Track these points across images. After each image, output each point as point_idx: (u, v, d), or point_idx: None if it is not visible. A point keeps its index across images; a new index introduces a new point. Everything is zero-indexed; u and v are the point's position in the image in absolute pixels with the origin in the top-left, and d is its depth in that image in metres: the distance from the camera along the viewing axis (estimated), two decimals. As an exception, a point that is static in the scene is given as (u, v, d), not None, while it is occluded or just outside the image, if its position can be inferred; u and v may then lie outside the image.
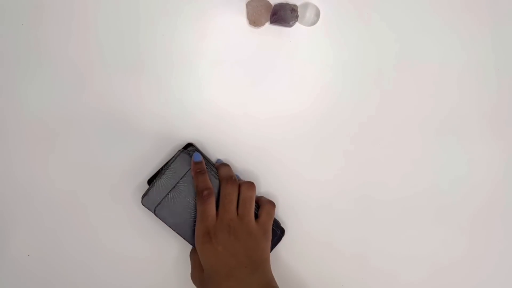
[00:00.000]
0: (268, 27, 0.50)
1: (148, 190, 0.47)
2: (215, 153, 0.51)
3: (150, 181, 0.50)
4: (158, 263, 0.53)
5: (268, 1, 0.49)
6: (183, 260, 0.52)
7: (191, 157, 0.47)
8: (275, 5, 0.49)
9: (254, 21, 0.49)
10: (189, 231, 0.48)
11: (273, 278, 0.46)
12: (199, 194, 0.46)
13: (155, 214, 0.48)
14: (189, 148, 0.49)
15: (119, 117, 0.51)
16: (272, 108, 0.51)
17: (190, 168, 0.47)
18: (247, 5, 0.49)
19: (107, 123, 0.51)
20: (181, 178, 0.47)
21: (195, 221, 0.47)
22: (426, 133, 0.52)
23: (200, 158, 0.47)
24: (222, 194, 0.46)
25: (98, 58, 0.49)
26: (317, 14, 0.49)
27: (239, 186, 0.47)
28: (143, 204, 0.47)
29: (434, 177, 0.53)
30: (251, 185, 0.48)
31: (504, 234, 0.54)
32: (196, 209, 0.47)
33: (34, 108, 0.50)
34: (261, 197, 0.51)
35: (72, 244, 0.52)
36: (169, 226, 0.48)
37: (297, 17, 0.49)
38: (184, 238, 0.48)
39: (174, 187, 0.47)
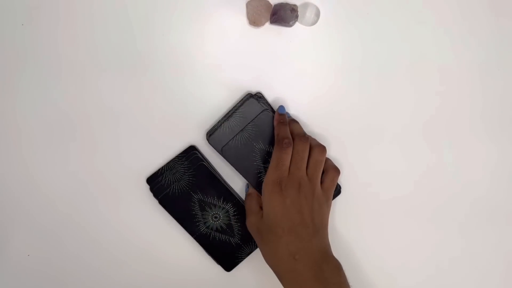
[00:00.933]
0: (268, 27, 0.50)
1: (214, 129, 0.49)
2: (214, 153, 0.51)
3: (149, 180, 0.50)
4: (159, 262, 0.53)
5: (268, 1, 0.49)
6: (184, 258, 0.52)
7: (259, 102, 0.48)
8: (275, 5, 0.49)
9: (254, 21, 0.49)
10: (251, 175, 0.49)
11: (329, 245, 0.47)
12: (279, 142, 0.46)
13: (221, 154, 0.49)
14: (251, 98, 0.49)
15: (119, 117, 0.50)
16: (273, 106, 0.51)
17: (258, 114, 0.48)
18: (247, 5, 0.49)
19: (107, 123, 0.50)
20: (249, 123, 0.48)
21: (258, 166, 0.49)
22: (426, 133, 0.52)
23: (285, 111, 0.49)
24: (295, 150, 0.46)
25: (98, 58, 0.49)
26: (317, 14, 0.49)
27: (311, 146, 0.47)
28: (209, 143, 0.49)
29: (434, 177, 0.53)
30: (323, 149, 0.48)
31: (504, 235, 0.54)
32: (260, 154, 0.49)
33: (33, 108, 0.50)
34: (328, 160, 0.50)
35: (72, 244, 0.52)
36: (233, 166, 0.49)
37: (297, 17, 0.49)
38: (247, 180, 0.50)
39: (242, 130, 0.48)
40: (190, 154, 0.50)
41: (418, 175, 0.53)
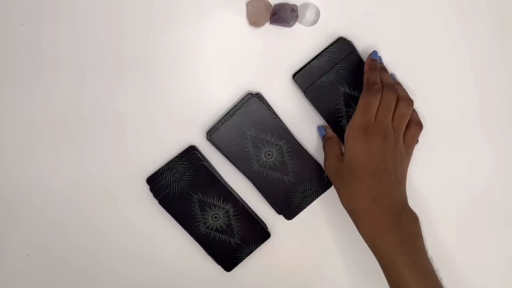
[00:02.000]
0: (268, 27, 0.50)
1: (302, 68, 0.49)
2: (215, 153, 0.51)
3: (149, 180, 0.50)
4: (159, 262, 0.53)
5: (268, 1, 0.49)
6: (184, 258, 0.52)
7: (349, 45, 0.48)
8: (275, 5, 0.49)
9: (254, 21, 0.49)
10: (333, 117, 0.50)
11: (407, 198, 0.46)
12: (369, 87, 0.46)
13: (304, 94, 0.49)
14: (341, 39, 0.49)
15: (119, 117, 0.50)
16: (272, 107, 0.51)
17: (347, 55, 0.48)
18: (247, 5, 0.49)
19: (107, 123, 0.50)
20: (337, 64, 0.48)
21: (340, 110, 0.49)
22: (426, 132, 0.52)
23: (377, 56, 0.49)
24: (383, 99, 0.45)
25: (98, 58, 0.49)
26: (317, 14, 0.49)
27: (398, 98, 0.47)
28: (294, 81, 0.49)
29: (434, 177, 0.53)
30: (410, 102, 0.47)
31: (504, 235, 0.54)
32: (344, 98, 0.49)
33: (33, 108, 0.50)
34: (413, 113, 0.49)
35: (72, 244, 0.52)
36: (316, 108, 0.49)
37: (297, 17, 0.49)
38: (327, 122, 0.50)
39: (329, 70, 0.48)
40: (190, 154, 0.50)
41: (418, 175, 0.53)
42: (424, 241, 0.45)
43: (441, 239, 0.53)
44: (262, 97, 0.50)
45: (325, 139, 0.50)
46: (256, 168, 0.50)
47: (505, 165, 0.53)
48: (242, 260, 0.52)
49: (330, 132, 0.50)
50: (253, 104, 0.49)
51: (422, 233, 0.45)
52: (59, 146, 0.51)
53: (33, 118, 0.50)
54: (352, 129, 0.45)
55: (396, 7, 0.50)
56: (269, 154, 0.50)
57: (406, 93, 0.48)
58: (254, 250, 0.51)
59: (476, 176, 0.53)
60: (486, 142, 0.53)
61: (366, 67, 0.48)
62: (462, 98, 0.52)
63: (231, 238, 0.51)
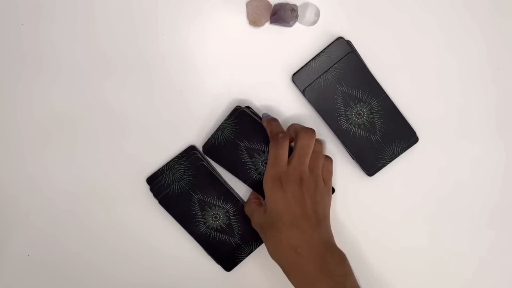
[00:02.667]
0: (268, 27, 0.50)
1: (301, 68, 0.49)
2: (215, 153, 0.51)
3: (149, 180, 0.50)
4: (159, 262, 0.53)
5: (268, 1, 0.49)
6: (184, 258, 0.52)
7: (349, 45, 0.49)
8: (275, 5, 0.49)
9: (254, 21, 0.49)
10: (332, 118, 0.49)
11: (332, 236, 0.47)
12: (274, 137, 0.46)
13: (303, 95, 0.49)
14: (244, 108, 0.49)
15: (119, 117, 0.51)
16: (272, 107, 0.51)
17: (346, 54, 0.48)
18: (247, 5, 0.49)
19: (107, 123, 0.51)
20: (335, 64, 0.48)
21: (338, 110, 0.49)
22: (425, 132, 0.52)
23: (267, 115, 0.50)
24: (299, 144, 0.46)
25: (98, 57, 0.49)
26: (317, 14, 0.49)
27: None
28: (293, 81, 0.49)
29: (435, 177, 0.53)
30: (321, 141, 0.49)
31: (505, 235, 0.54)
32: (343, 97, 0.49)
33: (33, 108, 0.50)
34: (319, 146, 0.49)
35: (72, 244, 0.52)
36: (315, 108, 0.49)
37: (297, 17, 0.49)
38: (326, 122, 0.50)
39: (327, 70, 0.48)
40: (190, 154, 0.50)
41: (418, 175, 0.53)
42: (355, 278, 0.45)
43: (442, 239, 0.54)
44: (251, 109, 0.50)
45: (245, 205, 0.50)
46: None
47: (505, 165, 0.53)
48: (242, 260, 0.52)
49: (251, 195, 0.51)
50: (243, 117, 0.49)
51: (352, 271, 0.45)
52: (59, 146, 0.51)
53: (33, 118, 0.50)
54: (267, 182, 0.46)
55: (396, 7, 0.50)
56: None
57: (310, 130, 0.47)
58: (254, 250, 0.51)
59: (477, 176, 0.53)
60: (489, 142, 0.53)
61: (264, 123, 0.49)
62: (463, 97, 0.52)
63: (231, 238, 0.51)
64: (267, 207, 0.46)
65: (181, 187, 0.49)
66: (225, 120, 0.49)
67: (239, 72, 0.50)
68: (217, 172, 0.51)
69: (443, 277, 0.54)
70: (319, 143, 0.48)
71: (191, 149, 0.50)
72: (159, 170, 0.50)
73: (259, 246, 0.51)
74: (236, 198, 0.50)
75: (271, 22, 0.49)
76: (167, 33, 0.49)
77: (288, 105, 0.51)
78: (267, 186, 0.46)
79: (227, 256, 0.51)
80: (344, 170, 0.52)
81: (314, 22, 0.50)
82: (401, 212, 0.53)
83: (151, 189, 0.50)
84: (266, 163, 0.49)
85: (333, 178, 0.50)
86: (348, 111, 0.50)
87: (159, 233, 0.52)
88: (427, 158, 0.52)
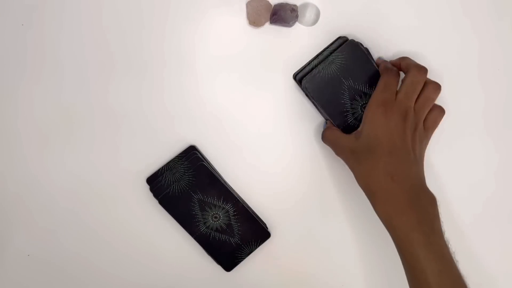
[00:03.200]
0: (268, 27, 0.50)
1: (302, 68, 0.49)
2: (214, 153, 0.51)
3: (149, 180, 0.50)
4: (158, 262, 0.53)
5: (268, 1, 0.49)
6: (183, 258, 0.52)
7: (350, 42, 0.48)
8: (275, 5, 0.49)
9: (254, 21, 0.49)
10: (337, 113, 0.48)
11: (425, 180, 0.45)
12: (387, 69, 0.46)
13: (306, 92, 0.48)
14: (192, 151, 0.49)
15: (119, 117, 0.51)
16: (272, 107, 0.51)
17: (350, 51, 0.47)
18: (247, 5, 0.49)
19: (107, 122, 0.51)
20: (338, 56, 0.47)
21: (345, 105, 0.48)
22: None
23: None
24: (409, 80, 0.45)
25: (98, 57, 0.49)
26: (317, 14, 0.49)
27: (426, 82, 0.46)
28: (295, 79, 0.49)
29: (435, 177, 0.53)
30: (438, 87, 0.46)
31: (504, 234, 0.54)
32: (348, 93, 0.47)
33: (33, 108, 0.50)
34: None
35: (72, 244, 0.52)
36: (318, 104, 0.48)
37: (297, 17, 0.49)
38: (331, 118, 0.48)
39: (330, 63, 0.47)
40: (190, 154, 0.50)
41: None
42: (442, 223, 0.43)
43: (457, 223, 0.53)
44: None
45: (323, 131, 0.50)
46: (203, 230, 0.50)
47: (507, 164, 0.53)
48: (242, 260, 0.52)
49: (329, 124, 0.50)
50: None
51: (440, 216, 0.44)
52: (58, 146, 0.51)
53: (33, 118, 0.50)
54: (371, 106, 0.44)
55: (397, 7, 0.50)
56: (215, 217, 0.50)
57: (433, 80, 0.47)
58: (254, 250, 0.51)
59: (485, 170, 0.53)
60: (490, 141, 0.53)
61: (379, 62, 0.48)
62: (465, 96, 0.52)
63: (231, 238, 0.51)
64: (362, 132, 0.44)
65: (181, 187, 0.49)
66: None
67: (239, 72, 0.50)
68: (217, 172, 0.51)
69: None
70: (434, 88, 0.46)
71: (191, 149, 0.50)
72: (159, 170, 0.50)
73: (259, 246, 0.51)
74: (236, 198, 0.50)
75: (271, 22, 0.49)
76: (168, 33, 0.49)
77: (288, 105, 0.51)
78: (370, 110, 0.44)
79: (227, 256, 0.51)
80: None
81: (314, 22, 0.50)
82: None
83: (151, 189, 0.50)
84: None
85: (435, 131, 0.48)
86: (354, 105, 0.48)
87: (159, 233, 0.52)
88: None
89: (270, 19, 0.49)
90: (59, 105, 0.50)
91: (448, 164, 0.53)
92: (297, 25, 0.50)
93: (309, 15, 0.49)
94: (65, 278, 0.53)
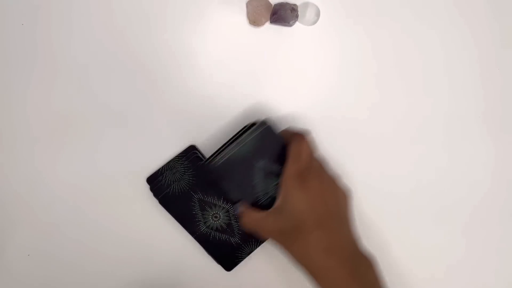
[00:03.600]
0: (268, 26, 0.50)
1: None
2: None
3: (149, 180, 0.50)
4: (159, 262, 0.53)
5: (268, 1, 0.49)
6: (184, 257, 0.52)
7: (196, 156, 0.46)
8: (275, 5, 0.49)
9: (254, 21, 0.49)
10: (246, 191, 0.45)
11: (358, 236, 0.44)
12: (296, 134, 0.44)
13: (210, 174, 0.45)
14: (193, 151, 0.49)
15: (119, 117, 0.50)
16: (272, 107, 0.51)
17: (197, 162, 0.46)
18: (247, 4, 0.49)
19: (107, 122, 0.50)
20: (244, 133, 0.45)
21: (251, 182, 0.44)
22: (424, 132, 0.52)
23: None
24: (307, 143, 0.44)
25: (98, 57, 0.49)
26: (317, 14, 0.49)
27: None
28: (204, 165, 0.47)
29: (434, 177, 0.53)
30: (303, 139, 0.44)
31: (503, 234, 0.54)
32: (254, 169, 0.44)
33: (33, 108, 0.50)
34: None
35: (72, 244, 0.52)
36: (223, 183, 0.45)
37: (297, 16, 0.49)
38: (236, 195, 0.45)
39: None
40: (190, 154, 0.50)
41: (418, 176, 0.53)
42: (384, 282, 0.43)
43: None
44: (200, 153, 0.50)
45: (241, 218, 0.45)
46: (203, 229, 0.50)
47: (506, 164, 0.53)
48: (242, 260, 0.51)
49: (240, 207, 0.46)
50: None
51: (380, 273, 0.43)
52: (58, 146, 0.51)
53: (33, 117, 0.50)
54: (286, 180, 0.42)
55: (397, 7, 0.50)
56: (216, 217, 0.50)
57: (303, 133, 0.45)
58: (254, 249, 0.51)
59: (478, 176, 0.53)
60: (488, 142, 0.53)
61: (284, 134, 0.46)
62: (464, 98, 0.52)
63: (231, 238, 0.51)
64: (284, 209, 0.42)
65: (181, 187, 0.49)
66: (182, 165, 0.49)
67: (239, 72, 0.50)
68: None
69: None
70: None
71: (191, 149, 0.50)
72: (159, 170, 0.50)
73: (259, 246, 0.51)
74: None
75: (271, 22, 0.49)
76: (167, 33, 0.49)
77: (288, 105, 0.51)
78: (286, 185, 0.42)
79: (227, 256, 0.51)
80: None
81: (314, 22, 0.50)
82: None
83: (151, 189, 0.50)
84: (215, 216, 0.49)
85: None
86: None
87: (159, 233, 0.52)
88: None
89: (270, 18, 0.49)
90: (58, 105, 0.50)
91: (447, 164, 0.53)
92: (297, 25, 0.50)
93: (309, 14, 0.49)
94: (65, 278, 0.53)
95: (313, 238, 0.41)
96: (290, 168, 0.43)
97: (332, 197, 0.43)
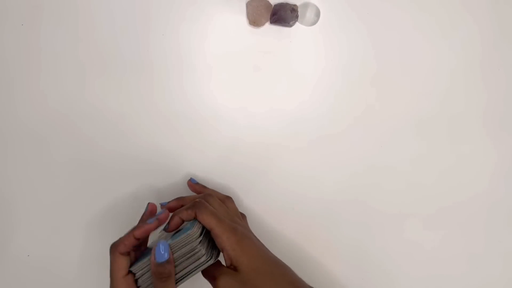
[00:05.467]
0: (268, 27, 0.50)
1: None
2: (214, 152, 0.51)
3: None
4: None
5: (268, 1, 0.49)
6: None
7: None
8: (275, 5, 0.49)
9: (254, 21, 0.49)
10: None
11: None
12: (195, 201, 0.41)
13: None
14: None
15: (119, 116, 0.50)
16: (272, 107, 0.51)
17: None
18: (247, 5, 0.49)
19: (107, 121, 0.50)
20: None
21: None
22: (423, 132, 0.52)
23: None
24: (213, 202, 0.42)
25: (98, 57, 0.49)
26: (317, 14, 0.49)
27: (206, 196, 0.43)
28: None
29: (433, 177, 0.53)
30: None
31: (503, 234, 0.54)
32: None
33: (34, 108, 0.50)
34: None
35: (72, 244, 0.52)
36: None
37: (297, 17, 0.49)
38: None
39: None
40: None
41: (417, 175, 0.53)
42: None
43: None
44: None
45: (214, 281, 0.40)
46: None
47: (506, 164, 0.53)
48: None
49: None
50: None
51: None
52: (59, 145, 0.51)
53: (33, 117, 0.50)
54: (227, 240, 0.39)
55: (397, 7, 0.50)
56: None
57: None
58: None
59: (477, 176, 0.53)
60: (488, 142, 0.53)
61: (190, 188, 0.46)
62: (463, 98, 0.52)
63: None
64: (240, 267, 0.39)
65: None
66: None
67: (239, 72, 0.50)
68: None
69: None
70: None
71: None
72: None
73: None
74: None
75: (271, 22, 0.49)
76: (167, 33, 0.49)
77: (288, 104, 0.51)
78: (227, 243, 0.39)
79: None
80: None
81: (314, 22, 0.50)
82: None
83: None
84: None
85: None
86: None
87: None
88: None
89: (270, 19, 0.49)
90: (58, 104, 0.50)
91: (447, 164, 0.53)
92: (297, 25, 0.50)
93: (309, 15, 0.49)
94: (65, 278, 0.53)
95: (276, 280, 0.39)
96: (218, 230, 0.39)
97: (254, 237, 0.42)
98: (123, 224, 0.52)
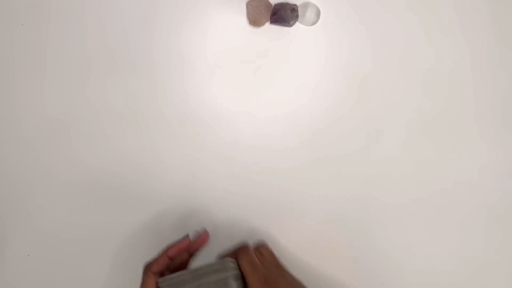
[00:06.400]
0: (268, 27, 0.50)
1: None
2: (214, 152, 0.51)
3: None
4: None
5: (268, 1, 0.49)
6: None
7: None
8: (275, 5, 0.49)
9: (254, 21, 0.49)
10: None
11: None
12: (242, 247, 0.43)
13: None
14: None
15: (119, 116, 0.50)
16: (272, 107, 0.51)
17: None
18: (247, 5, 0.49)
19: (107, 121, 0.50)
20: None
21: None
22: (424, 132, 0.52)
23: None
24: (252, 254, 0.42)
25: (98, 57, 0.49)
26: (317, 14, 0.49)
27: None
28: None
29: (433, 177, 0.53)
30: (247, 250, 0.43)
31: (502, 234, 0.54)
32: None
33: (34, 107, 0.50)
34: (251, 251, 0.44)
35: (72, 244, 0.52)
36: None
37: (297, 16, 0.49)
38: None
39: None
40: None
41: (416, 175, 0.53)
42: None
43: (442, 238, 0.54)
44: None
45: None
46: None
47: (507, 164, 0.53)
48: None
49: None
50: None
51: None
52: (59, 146, 0.51)
53: (33, 117, 0.50)
54: None
55: (396, 7, 0.50)
56: None
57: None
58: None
59: (478, 175, 0.53)
60: (488, 141, 0.53)
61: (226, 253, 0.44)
62: (462, 98, 0.52)
63: None
64: None
65: None
66: None
67: (239, 72, 0.50)
68: None
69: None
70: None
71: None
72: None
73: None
74: None
75: (271, 22, 0.49)
76: (168, 33, 0.49)
77: (288, 104, 0.51)
78: None
79: None
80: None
81: (314, 22, 0.50)
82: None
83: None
84: None
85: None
86: None
87: (161, 235, 0.52)
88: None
89: (270, 18, 0.49)
90: (58, 104, 0.50)
91: (445, 164, 0.53)
92: (297, 25, 0.50)
93: (309, 14, 0.49)
94: (65, 278, 0.53)
95: None
96: (253, 277, 0.40)
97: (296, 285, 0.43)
98: (123, 224, 0.52)
